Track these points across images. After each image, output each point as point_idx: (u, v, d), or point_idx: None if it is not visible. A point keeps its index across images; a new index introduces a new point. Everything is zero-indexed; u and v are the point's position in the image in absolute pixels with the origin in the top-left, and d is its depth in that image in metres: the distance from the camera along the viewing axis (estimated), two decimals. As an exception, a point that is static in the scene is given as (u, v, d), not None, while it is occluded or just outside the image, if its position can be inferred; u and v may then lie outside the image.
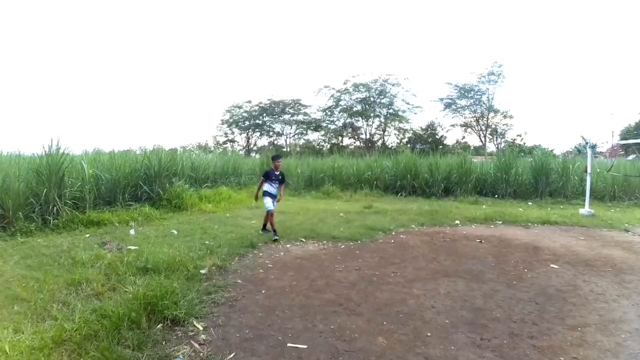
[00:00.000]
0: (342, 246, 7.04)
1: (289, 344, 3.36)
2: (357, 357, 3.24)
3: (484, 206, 12.23)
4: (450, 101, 36.63)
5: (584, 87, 61.72)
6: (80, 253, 5.76)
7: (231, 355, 3.21)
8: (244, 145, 42.85)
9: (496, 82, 34.34)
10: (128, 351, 3.10)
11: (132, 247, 6.22)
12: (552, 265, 5.90)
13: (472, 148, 31.96)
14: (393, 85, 36.65)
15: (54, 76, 58.45)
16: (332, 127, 40.48)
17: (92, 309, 3.77)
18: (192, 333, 3.56)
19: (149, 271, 5.00)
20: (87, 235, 7.33)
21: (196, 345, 3.34)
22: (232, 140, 43.68)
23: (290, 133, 42.91)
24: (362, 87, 36.82)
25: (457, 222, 9.47)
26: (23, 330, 3.39)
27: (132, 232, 7.58)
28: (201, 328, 3.66)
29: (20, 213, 7.54)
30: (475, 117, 36.38)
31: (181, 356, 3.13)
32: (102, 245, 6.42)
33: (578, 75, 60.54)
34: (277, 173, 7.84)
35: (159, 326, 3.59)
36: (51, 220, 7.84)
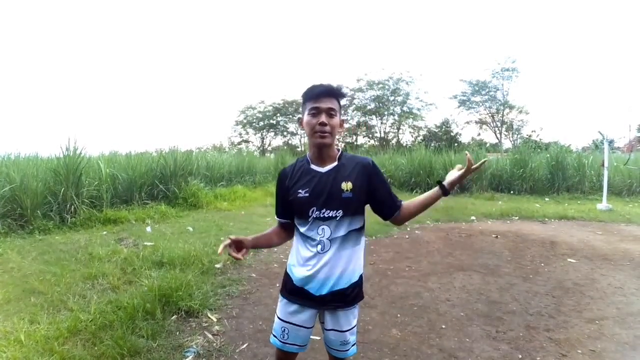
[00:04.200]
0: (356, 241, 6.98)
1: (302, 335, 3.35)
2: (370, 348, 3.22)
3: (500, 202, 12.03)
4: (464, 98, 36.15)
5: (601, 81, 60.24)
6: (97, 249, 5.85)
7: (244, 346, 3.22)
8: (259, 146, 42.92)
9: (510, 77, 33.83)
10: (142, 340, 3.13)
11: (148, 243, 6.29)
12: (569, 260, 5.79)
13: (487, 145, 31.52)
14: (407, 82, 36.37)
15: (71, 81, 59.47)
16: (346, 125, 40.14)
17: (107, 301, 3.83)
18: (206, 324, 3.59)
19: (165, 265, 5.05)
20: (104, 232, 7.43)
21: (210, 335, 3.37)
22: (247, 141, 43.70)
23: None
24: (375, 85, 36.60)
25: (473, 217, 9.36)
26: (39, 321, 3.45)
27: (148, 229, 7.66)
28: (215, 319, 3.69)
29: (38, 212, 7.66)
30: (490, 113, 35.85)
31: (195, 346, 3.15)
32: (119, 242, 6.51)
33: (595, 69, 59.04)
34: (330, 170, 1.83)
35: (173, 317, 3.63)
36: (69, 219, 7.96)
